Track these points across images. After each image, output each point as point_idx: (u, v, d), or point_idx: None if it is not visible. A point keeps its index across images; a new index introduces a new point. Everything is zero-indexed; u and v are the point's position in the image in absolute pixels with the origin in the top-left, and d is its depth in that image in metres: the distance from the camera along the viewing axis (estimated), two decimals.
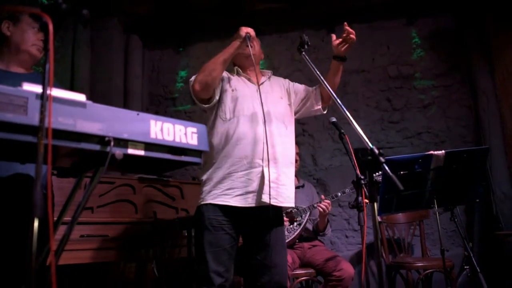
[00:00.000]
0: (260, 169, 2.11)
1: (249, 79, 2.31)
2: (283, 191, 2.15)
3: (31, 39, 1.90)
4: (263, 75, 2.42)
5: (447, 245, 4.03)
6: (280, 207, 2.20)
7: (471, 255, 2.44)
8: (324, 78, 2.11)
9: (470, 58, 4.40)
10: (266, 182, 2.08)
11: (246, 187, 2.09)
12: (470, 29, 4.41)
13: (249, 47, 2.14)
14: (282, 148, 2.20)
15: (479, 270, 2.36)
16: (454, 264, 3.24)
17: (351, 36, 2.26)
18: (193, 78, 2.21)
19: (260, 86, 2.30)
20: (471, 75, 4.40)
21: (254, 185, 2.09)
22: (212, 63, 2.13)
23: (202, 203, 2.15)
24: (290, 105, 2.41)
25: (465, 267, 2.64)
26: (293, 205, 2.25)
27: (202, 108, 2.27)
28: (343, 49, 2.31)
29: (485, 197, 3.98)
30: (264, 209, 2.09)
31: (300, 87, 2.48)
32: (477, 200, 2.41)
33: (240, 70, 2.34)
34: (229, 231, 2.12)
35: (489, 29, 4.29)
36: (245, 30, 2.13)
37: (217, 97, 2.22)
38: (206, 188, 2.16)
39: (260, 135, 2.12)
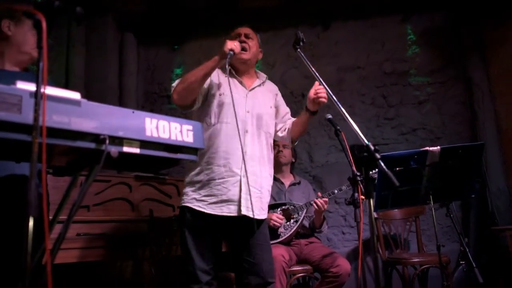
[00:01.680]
0: (238, 178, 2.13)
1: (240, 82, 2.30)
2: (257, 203, 2.18)
3: (32, 41, 1.89)
4: (257, 78, 2.42)
5: (442, 240, 4.05)
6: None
7: (467, 250, 2.46)
8: (294, 123, 2.35)
9: (465, 54, 4.41)
10: (243, 193, 2.11)
11: (221, 196, 2.12)
12: (465, 25, 4.42)
13: (227, 65, 2.07)
14: (261, 159, 2.24)
15: (475, 265, 2.38)
16: (450, 260, 3.26)
17: (321, 97, 2.23)
18: (174, 84, 2.22)
19: (250, 92, 2.30)
20: (466, 71, 4.40)
21: (229, 194, 2.11)
22: (192, 75, 2.12)
23: (183, 204, 2.18)
24: (276, 113, 2.44)
25: (461, 262, 2.66)
26: (265, 216, 2.27)
27: (185, 113, 2.28)
28: (314, 105, 2.29)
29: (481, 193, 4.00)
30: (241, 219, 2.12)
31: (280, 106, 2.48)
32: (473, 196, 2.43)
33: (233, 72, 2.33)
34: (211, 232, 2.16)
35: (484, 26, 4.30)
36: (229, 47, 2.07)
37: (198, 105, 2.23)
38: (187, 190, 2.20)
39: (240, 146, 2.11)
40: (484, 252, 3.82)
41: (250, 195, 2.10)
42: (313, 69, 1.85)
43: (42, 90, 0.94)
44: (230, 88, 2.09)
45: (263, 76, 2.45)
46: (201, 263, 2.09)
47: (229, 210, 2.11)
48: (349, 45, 4.66)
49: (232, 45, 2.10)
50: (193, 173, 2.19)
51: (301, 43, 1.96)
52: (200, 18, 4.62)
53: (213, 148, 2.16)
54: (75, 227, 2.46)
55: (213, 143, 2.17)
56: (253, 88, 2.34)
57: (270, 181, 2.33)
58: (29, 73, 2.00)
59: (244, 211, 2.10)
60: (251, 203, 2.09)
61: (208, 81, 2.23)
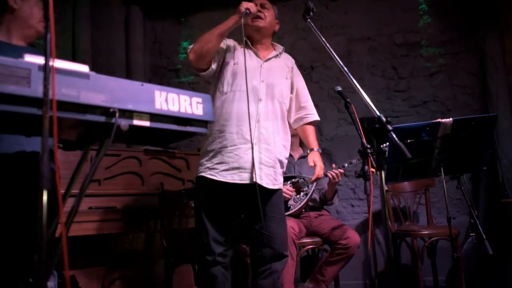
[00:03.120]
0: (249, 146, 2.11)
1: (255, 53, 2.27)
2: (270, 172, 2.17)
3: (38, 15, 1.87)
4: (274, 49, 2.38)
5: (452, 213, 4.05)
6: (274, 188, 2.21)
7: (477, 222, 2.45)
8: (302, 133, 2.48)
9: (478, 24, 4.29)
10: (256, 161, 2.10)
11: (233, 163, 2.11)
12: None
13: (242, 24, 2.10)
14: (274, 129, 2.22)
15: (485, 237, 2.38)
16: (459, 232, 3.26)
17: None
18: (190, 46, 2.21)
19: (266, 62, 2.27)
20: (478, 42, 4.30)
21: (241, 162, 2.11)
22: (209, 34, 2.12)
23: (198, 174, 2.19)
24: (292, 87, 2.40)
25: (471, 234, 2.65)
26: (279, 187, 2.27)
27: (201, 76, 2.28)
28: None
29: (491, 165, 3.97)
30: (253, 188, 2.10)
31: (300, 91, 2.45)
32: (484, 168, 2.41)
33: (249, 42, 2.30)
34: (227, 203, 2.16)
35: None
36: (245, 6, 2.10)
37: (213, 67, 2.22)
38: (201, 161, 2.21)
39: (253, 113, 2.13)
40: (493, 224, 3.82)
41: (262, 163, 2.10)
42: (323, 39, 1.81)
43: (50, 63, 0.93)
44: (245, 58, 2.10)
45: (279, 47, 2.42)
46: (215, 234, 2.11)
47: (240, 178, 2.11)
48: (359, 15, 4.56)
49: (248, 4, 2.11)
50: (207, 142, 2.20)
51: (311, 13, 1.92)
52: None
53: (226, 115, 2.16)
54: (86, 200, 2.50)
55: (226, 111, 2.16)
56: (268, 59, 2.31)
57: (285, 152, 2.30)
58: (36, 49, 1.99)
59: (256, 179, 2.09)
60: (263, 172, 2.10)
61: (224, 48, 2.24)
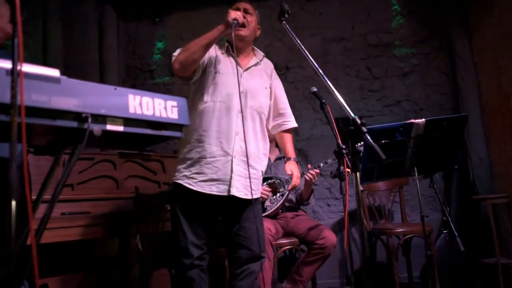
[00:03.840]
0: (229, 158, 2.13)
1: (236, 61, 2.25)
2: (248, 184, 2.16)
3: (6, 16, 1.81)
4: (255, 55, 2.37)
5: (425, 210, 4.07)
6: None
7: (449, 219, 2.51)
8: (280, 141, 2.50)
9: (449, 25, 4.40)
10: (234, 174, 2.11)
11: (211, 174, 2.11)
12: None
13: (233, 35, 2.10)
14: (254, 141, 2.23)
15: (456, 234, 2.44)
16: (432, 229, 3.34)
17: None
18: (176, 53, 2.17)
19: (245, 72, 2.27)
20: (449, 42, 4.41)
21: (220, 174, 2.11)
22: (195, 44, 2.08)
23: (175, 180, 2.18)
24: (270, 94, 2.40)
25: (443, 231, 2.72)
26: (258, 196, 2.28)
27: (183, 82, 2.27)
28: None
29: (462, 163, 4.07)
30: (231, 199, 2.13)
31: (278, 98, 2.46)
32: (456, 167, 2.46)
33: (230, 49, 2.27)
34: (202, 209, 2.15)
35: None
36: (233, 16, 2.08)
37: (197, 77, 2.20)
38: (179, 167, 2.19)
39: (233, 125, 2.14)
40: (465, 221, 3.92)
41: (240, 176, 2.12)
42: (298, 41, 1.82)
43: (18, 67, 0.90)
44: (226, 68, 2.14)
45: (260, 54, 2.41)
46: (193, 237, 2.10)
47: (218, 190, 2.11)
48: (334, 16, 4.61)
49: (235, 14, 2.09)
50: (185, 150, 2.18)
51: (286, 15, 1.92)
52: None
53: (205, 126, 2.15)
54: (59, 206, 2.44)
55: (205, 121, 2.15)
56: (248, 68, 2.30)
57: (264, 161, 2.32)
58: (4, 51, 1.93)
59: (233, 192, 2.11)
60: (241, 184, 2.12)
61: (207, 56, 2.20)
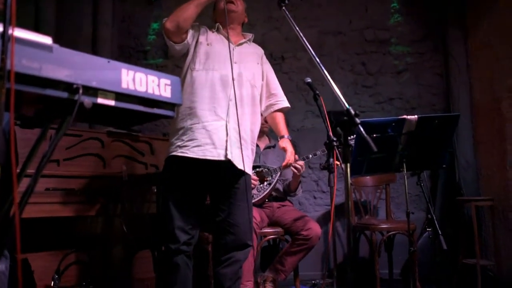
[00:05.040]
0: (223, 123, 2.09)
1: (227, 38, 2.23)
2: (239, 154, 2.12)
3: None
4: (243, 37, 2.38)
5: (410, 208, 4.14)
6: (246, 173, 2.19)
7: (434, 218, 2.53)
8: (271, 121, 2.49)
9: (445, 26, 4.41)
10: (229, 138, 2.08)
11: (204, 139, 2.06)
12: None
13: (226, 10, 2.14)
14: (246, 110, 2.20)
15: (440, 233, 2.46)
16: (416, 227, 3.36)
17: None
18: (166, 18, 2.18)
19: (238, 47, 2.27)
20: (445, 43, 4.42)
21: (214, 138, 2.07)
22: (186, 4, 2.12)
23: (168, 155, 2.14)
24: (262, 74, 2.38)
25: (427, 229, 2.75)
26: (249, 172, 2.24)
27: (174, 52, 2.26)
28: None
29: (449, 164, 4.10)
30: (227, 165, 2.08)
31: (270, 80, 2.45)
32: (444, 166, 2.48)
33: (221, 27, 2.30)
34: (195, 187, 2.11)
35: None
36: None
37: (188, 40, 2.19)
38: (171, 141, 2.16)
39: (227, 91, 2.11)
40: (448, 221, 3.97)
41: (234, 141, 2.08)
42: (297, 28, 1.80)
43: (10, 31, 0.86)
44: (217, 42, 2.16)
45: (249, 35, 2.42)
46: (180, 221, 2.06)
47: (212, 154, 2.06)
48: (332, 8, 4.58)
49: None
50: (176, 121, 2.14)
51: (287, 1, 1.90)
52: None
53: (198, 93, 2.12)
54: (44, 181, 2.40)
55: (197, 88, 2.12)
56: (240, 44, 2.31)
57: (253, 137, 2.28)
58: None
59: (230, 156, 2.06)
60: (234, 152, 2.07)
61: (198, 29, 2.25)
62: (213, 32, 2.30)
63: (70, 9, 4.14)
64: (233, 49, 2.23)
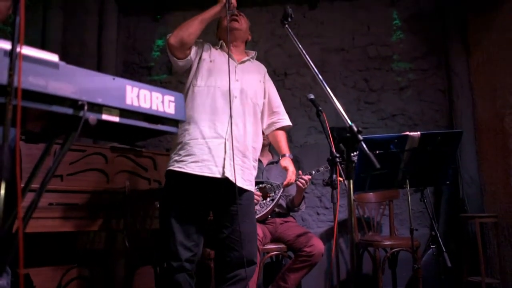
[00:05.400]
0: (222, 140, 2.08)
1: (230, 55, 2.24)
2: (239, 171, 2.11)
3: None
4: (247, 55, 2.40)
5: (414, 225, 4.11)
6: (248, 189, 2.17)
7: (438, 234, 2.51)
8: (273, 139, 2.47)
9: (447, 42, 4.44)
10: (227, 156, 2.06)
11: (202, 155, 2.05)
12: (450, 14, 4.43)
13: (227, 13, 2.16)
14: (247, 128, 2.19)
15: (444, 250, 2.44)
16: (420, 243, 3.34)
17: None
18: (170, 34, 2.20)
19: (240, 65, 2.29)
20: (447, 59, 4.45)
21: (212, 154, 2.05)
22: (190, 20, 2.15)
23: (167, 169, 2.14)
24: (264, 91, 2.40)
25: (431, 246, 2.72)
26: (250, 188, 2.21)
27: (177, 68, 2.26)
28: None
29: (453, 180, 4.09)
30: (226, 183, 2.06)
31: (272, 97, 2.46)
32: (448, 182, 2.47)
33: (224, 44, 2.32)
34: (196, 203, 2.09)
35: (468, 15, 4.32)
36: None
37: (191, 56, 2.21)
38: (171, 156, 2.16)
39: (227, 109, 2.10)
40: (452, 238, 3.94)
41: (233, 160, 2.05)
42: (299, 46, 1.82)
43: (18, 48, 0.88)
44: (220, 59, 2.17)
45: (252, 52, 2.45)
46: (183, 238, 2.02)
47: (210, 171, 2.04)
48: (335, 26, 4.63)
49: None
50: (176, 135, 2.14)
51: (289, 19, 1.93)
52: None
53: (198, 109, 2.12)
54: (47, 196, 2.40)
55: (198, 104, 2.13)
56: (242, 62, 2.32)
57: (255, 154, 2.26)
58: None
59: (228, 174, 2.03)
60: (234, 169, 2.04)
61: (201, 45, 2.28)
62: (216, 49, 2.32)
63: (76, 26, 4.20)
64: (236, 67, 2.25)
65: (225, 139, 2.08)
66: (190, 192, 2.08)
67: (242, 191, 2.14)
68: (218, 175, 2.05)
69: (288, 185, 2.47)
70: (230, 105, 2.09)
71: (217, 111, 2.11)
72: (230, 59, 2.20)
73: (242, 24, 2.34)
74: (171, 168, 2.10)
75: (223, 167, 2.05)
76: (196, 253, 2.08)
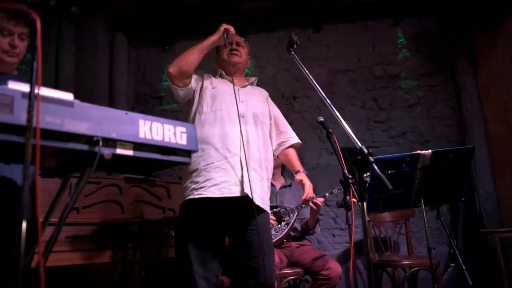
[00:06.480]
0: (238, 159, 2.08)
1: (231, 81, 2.26)
2: (256, 190, 2.09)
3: (0, 46, 1.84)
4: (247, 81, 2.43)
5: (432, 243, 4.02)
6: (264, 210, 2.16)
7: (457, 252, 2.47)
8: (285, 158, 2.47)
9: (454, 59, 4.46)
10: (244, 172, 2.05)
11: (220, 177, 2.04)
12: (455, 30, 4.47)
13: (226, 42, 2.20)
14: (258, 147, 2.19)
15: (464, 268, 2.40)
16: (439, 262, 3.28)
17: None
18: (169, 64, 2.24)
19: (242, 89, 2.32)
20: (455, 75, 4.46)
21: (230, 175, 2.05)
22: (189, 50, 2.20)
23: (184, 199, 2.11)
24: (269, 113, 2.42)
25: (451, 264, 2.68)
26: (267, 208, 2.19)
27: (178, 98, 2.30)
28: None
29: (469, 196, 4.04)
30: (245, 202, 2.02)
31: (278, 119, 2.48)
32: (463, 199, 2.45)
33: (224, 73, 2.36)
34: (214, 229, 2.08)
35: (473, 31, 4.35)
36: (225, 26, 2.20)
37: (192, 85, 2.24)
38: (185, 185, 2.13)
39: (237, 129, 2.10)
40: (472, 254, 3.86)
41: (249, 176, 2.05)
42: (306, 71, 1.85)
43: (36, 91, 0.92)
44: (222, 85, 2.20)
45: (252, 78, 2.48)
46: (200, 268, 2.01)
47: (229, 191, 2.03)
48: (340, 48, 4.69)
49: (227, 25, 2.19)
50: (187, 166, 2.12)
51: (295, 46, 1.96)
52: (191, 19, 4.61)
53: (208, 133, 2.12)
54: (64, 229, 2.42)
55: (208, 129, 2.13)
56: (244, 86, 2.36)
57: (268, 174, 2.25)
58: (18, 75, 1.98)
59: (247, 191, 2.01)
60: (250, 186, 2.03)
61: (202, 75, 2.32)
62: (216, 77, 2.36)
63: (88, 60, 4.31)
64: (239, 90, 2.26)
65: (240, 156, 2.08)
66: (207, 218, 2.06)
67: (260, 210, 2.11)
68: (238, 194, 2.04)
69: (307, 200, 2.43)
70: (240, 124, 2.09)
71: (226, 133, 2.11)
72: (232, 84, 2.22)
73: (242, 56, 2.38)
74: (190, 197, 2.07)
75: (242, 184, 2.04)
76: (214, 282, 2.06)
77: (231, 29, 2.20)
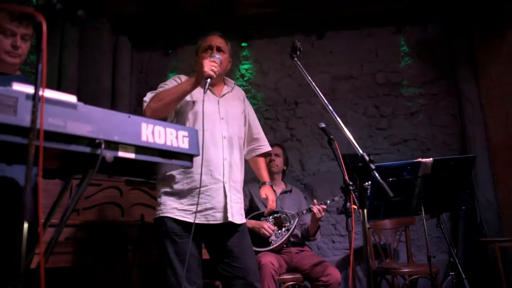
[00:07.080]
0: (221, 185, 2.11)
1: (211, 90, 2.24)
2: (237, 209, 2.16)
3: (3, 47, 1.86)
4: (226, 85, 2.38)
5: (431, 251, 4.02)
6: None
7: (457, 261, 2.47)
8: (253, 165, 2.46)
9: (456, 67, 4.47)
10: (228, 200, 2.09)
11: (205, 204, 2.08)
12: (457, 38, 4.48)
13: (205, 89, 2.01)
14: (237, 167, 2.22)
15: (464, 277, 2.39)
16: (439, 270, 3.27)
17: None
18: (146, 98, 2.16)
19: (221, 99, 2.28)
20: (457, 84, 4.46)
21: (214, 202, 2.08)
22: (168, 95, 2.09)
23: (162, 215, 2.09)
24: (245, 119, 2.41)
25: (451, 273, 2.67)
26: (244, 221, 2.23)
27: None
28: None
29: (470, 204, 4.03)
30: (224, 226, 2.09)
31: (252, 125, 2.46)
32: (463, 208, 2.44)
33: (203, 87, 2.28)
34: (194, 241, 2.06)
35: (475, 39, 4.36)
36: (208, 72, 2.03)
37: (171, 118, 2.20)
38: (164, 200, 2.11)
39: (220, 152, 2.13)
40: (472, 263, 3.85)
41: (232, 201, 2.11)
42: (309, 77, 1.86)
43: (40, 93, 0.93)
44: (202, 97, 2.03)
45: (231, 82, 2.44)
46: (184, 272, 2.00)
47: (214, 218, 2.08)
48: (343, 54, 4.70)
49: (209, 69, 2.03)
50: (172, 182, 2.12)
51: (298, 52, 1.97)
52: (195, 23, 4.63)
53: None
54: (64, 231, 2.43)
55: None
56: (223, 95, 2.32)
57: (241, 183, 2.30)
58: (21, 76, 1.99)
59: (230, 218, 2.08)
60: (234, 210, 2.11)
61: None
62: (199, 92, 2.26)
63: (91, 63, 4.33)
64: (218, 102, 2.25)
65: (223, 182, 2.12)
66: (188, 237, 2.03)
67: (239, 225, 2.18)
68: (221, 221, 2.09)
69: (270, 213, 2.45)
70: (223, 149, 2.13)
71: (211, 157, 2.11)
72: (212, 94, 2.22)
73: (222, 65, 2.22)
74: (169, 215, 2.07)
75: (225, 212, 2.09)
76: (199, 284, 2.09)
77: (214, 74, 2.05)
